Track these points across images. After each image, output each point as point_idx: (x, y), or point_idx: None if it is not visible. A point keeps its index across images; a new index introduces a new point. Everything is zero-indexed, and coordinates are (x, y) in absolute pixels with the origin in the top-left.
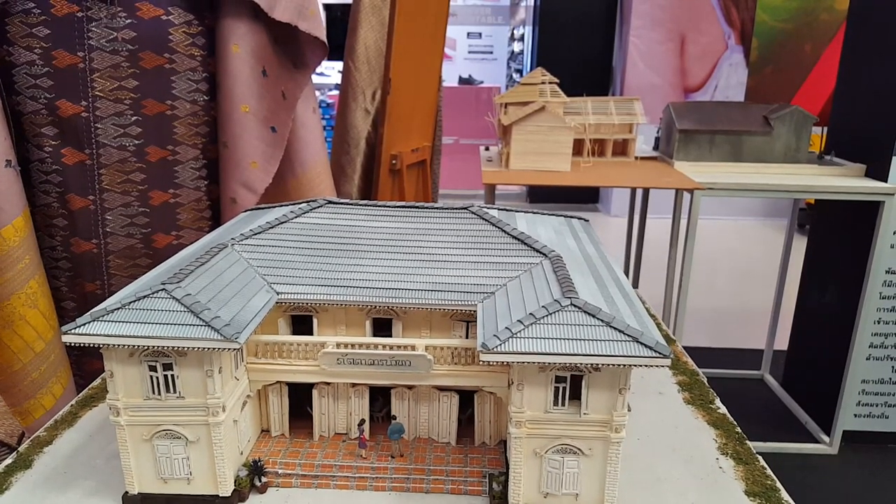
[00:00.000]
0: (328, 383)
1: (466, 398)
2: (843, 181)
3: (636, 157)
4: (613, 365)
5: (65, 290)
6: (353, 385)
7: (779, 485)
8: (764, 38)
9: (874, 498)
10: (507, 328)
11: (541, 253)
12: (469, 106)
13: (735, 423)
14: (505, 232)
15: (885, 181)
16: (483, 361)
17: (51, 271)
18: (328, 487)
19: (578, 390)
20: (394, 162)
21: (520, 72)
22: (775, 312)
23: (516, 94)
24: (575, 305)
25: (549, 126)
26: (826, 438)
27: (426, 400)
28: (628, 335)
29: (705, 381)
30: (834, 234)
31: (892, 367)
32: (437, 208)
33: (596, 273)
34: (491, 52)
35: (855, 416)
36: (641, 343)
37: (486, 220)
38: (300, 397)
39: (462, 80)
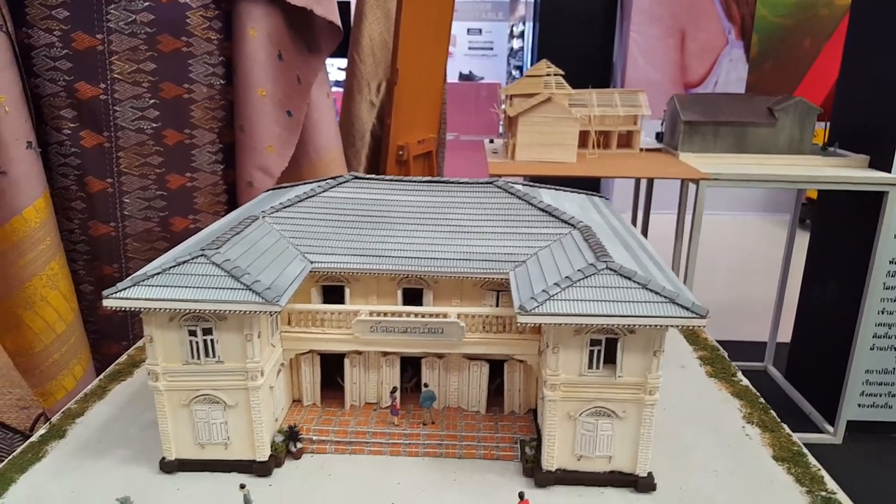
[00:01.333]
0: (360, 353)
1: (494, 369)
2: (846, 172)
3: (641, 149)
4: (650, 326)
5: (83, 273)
6: (385, 354)
7: (805, 450)
8: (764, 34)
9: (879, 487)
10: (543, 291)
11: (569, 224)
12: (470, 102)
13: (758, 393)
14: (532, 205)
15: (889, 171)
16: (520, 324)
17: (69, 254)
18: (362, 453)
19: (613, 353)
20: (400, 153)
21: (520, 68)
22: (778, 305)
23: (521, 85)
24: (610, 269)
25: (555, 117)
26: (830, 429)
27: (456, 369)
28: (664, 296)
29: (726, 355)
30: (837, 227)
31: None
32: (462, 182)
33: (625, 243)
34: (491, 49)
35: (859, 405)
36: (678, 304)
37: (512, 193)
38: (331, 369)
39: (462, 77)
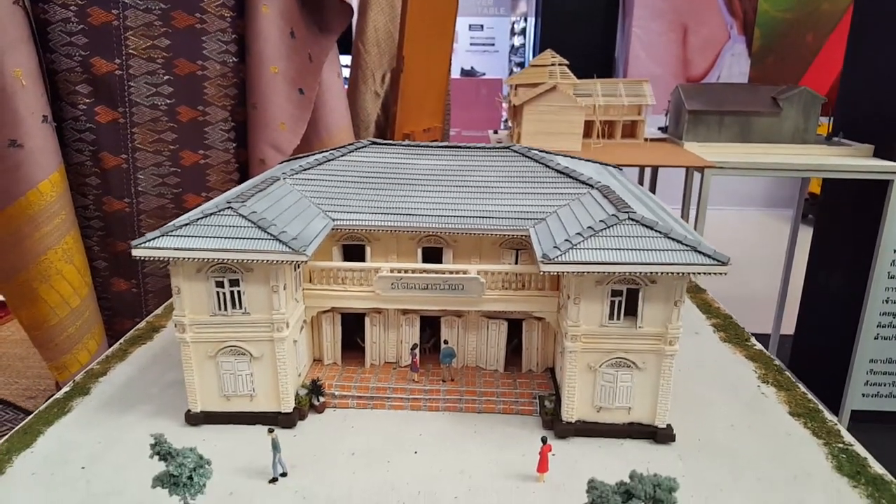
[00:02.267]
0: (380, 312)
1: (512, 330)
2: (851, 161)
3: (645, 139)
4: (672, 274)
5: (97, 249)
6: (404, 313)
7: (821, 406)
8: (766, 28)
9: None
10: (566, 240)
11: (587, 184)
12: (471, 98)
13: (773, 356)
14: (549, 167)
15: (893, 160)
16: (542, 273)
17: (83, 230)
18: (383, 408)
19: (633, 304)
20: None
21: (521, 65)
22: (781, 298)
23: (526, 75)
24: (632, 219)
25: (560, 106)
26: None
27: (475, 328)
28: (686, 245)
29: (738, 322)
30: (841, 218)
31: None
32: (479, 147)
33: (643, 201)
34: (493, 45)
35: (863, 395)
36: (700, 252)
37: (529, 157)
38: (351, 330)
39: (464, 73)
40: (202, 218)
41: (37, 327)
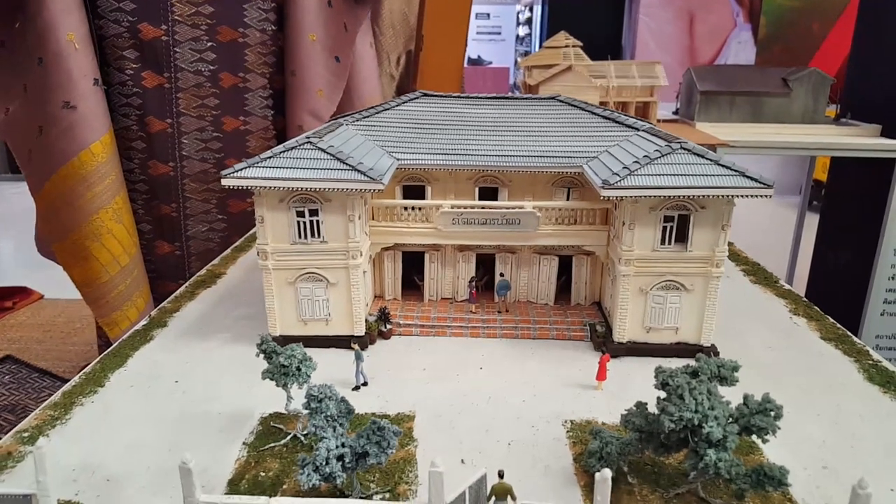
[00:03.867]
0: (438, 249)
1: (561, 268)
2: (860, 140)
3: (658, 120)
4: (721, 198)
5: (142, 212)
6: (461, 250)
7: (849, 333)
8: (772, 17)
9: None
10: (624, 167)
11: (633, 128)
12: (478, 86)
13: (801, 295)
14: (595, 114)
15: None
16: (602, 198)
17: (129, 194)
18: (445, 335)
19: (683, 230)
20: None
21: (527, 54)
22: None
23: (541, 56)
24: (685, 148)
25: (576, 86)
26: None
27: (527, 264)
28: (735, 170)
29: (766, 268)
30: (848, 199)
31: None
32: (526, 98)
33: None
34: (499, 33)
35: None
36: (747, 176)
37: (575, 105)
38: (408, 270)
39: (471, 61)
40: (284, 151)
41: (88, 284)
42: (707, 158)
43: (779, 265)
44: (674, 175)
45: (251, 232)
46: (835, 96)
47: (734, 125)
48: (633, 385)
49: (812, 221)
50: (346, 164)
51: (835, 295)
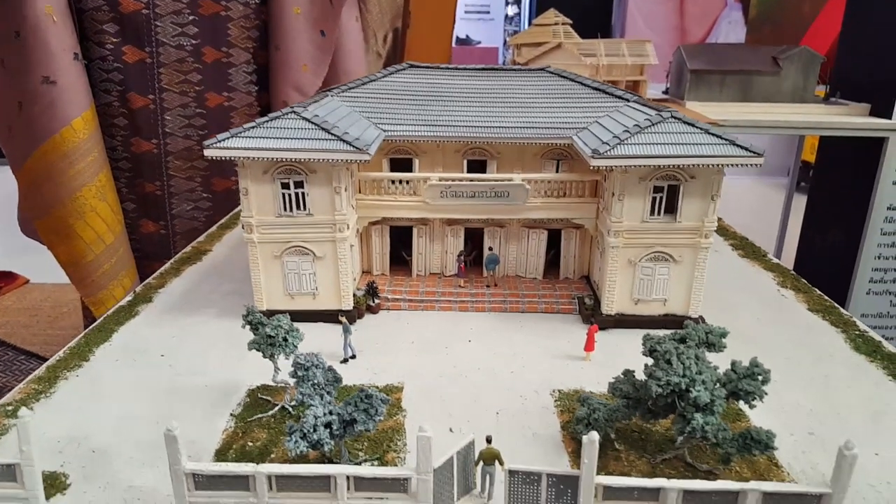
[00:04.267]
0: (426, 223)
1: (550, 241)
2: (849, 119)
3: (648, 99)
4: (711, 167)
5: (125, 191)
6: (450, 224)
7: (837, 305)
8: None
9: None
10: (615, 137)
11: (623, 98)
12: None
13: (789, 268)
14: (585, 85)
15: (890, 118)
16: (592, 168)
17: (112, 172)
18: (433, 309)
19: (672, 201)
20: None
21: (517, 33)
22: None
23: (530, 34)
24: (675, 117)
25: (565, 64)
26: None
27: (516, 238)
28: (725, 139)
29: (754, 242)
30: (834, 182)
31: (891, 301)
32: (515, 69)
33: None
34: (488, 13)
35: None
36: (738, 145)
37: (564, 76)
38: (396, 245)
39: (459, 41)
40: (268, 121)
41: (74, 263)
42: (697, 127)
43: (766, 247)
44: (664, 144)
45: (237, 210)
46: (824, 76)
47: (724, 104)
48: (621, 356)
49: (800, 204)
50: (332, 133)
51: (822, 275)
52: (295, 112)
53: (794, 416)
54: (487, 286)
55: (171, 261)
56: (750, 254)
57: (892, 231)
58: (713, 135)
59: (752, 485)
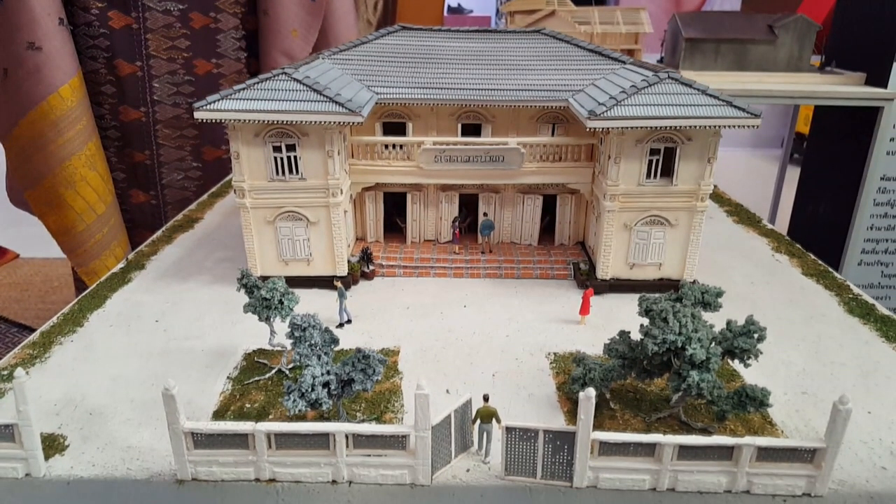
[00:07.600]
0: (420, 189)
1: (544, 209)
2: (844, 88)
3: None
4: (708, 128)
5: (114, 160)
6: (444, 190)
7: (831, 269)
8: None
9: None
10: (611, 97)
11: (619, 61)
12: None
13: (783, 234)
14: (581, 47)
15: (885, 87)
16: (588, 129)
17: (101, 141)
18: (428, 276)
19: (669, 165)
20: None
21: (510, 0)
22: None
23: (523, 2)
24: (672, 78)
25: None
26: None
27: (511, 204)
28: (722, 100)
29: (749, 209)
30: (828, 153)
31: (882, 271)
32: (509, 31)
33: None
34: None
35: None
36: (735, 106)
37: (560, 38)
38: (390, 212)
39: (451, 10)
40: (259, 83)
41: (64, 233)
42: (694, 88)
43: (759, 215)
44: (661, 105)
45: (228, 178)
46: (820, 45)
47: (719, 73)
48: (616, 319)
49: (793, 175)
50: (324, 95)
51: (814, 246)
52: (286, 73)
53: (788, 376)
54: (482, 252)
55: (163, 228)
56: (745, 220)
57: (885, 202)
58: (710, 96)
59: (747, 440)
